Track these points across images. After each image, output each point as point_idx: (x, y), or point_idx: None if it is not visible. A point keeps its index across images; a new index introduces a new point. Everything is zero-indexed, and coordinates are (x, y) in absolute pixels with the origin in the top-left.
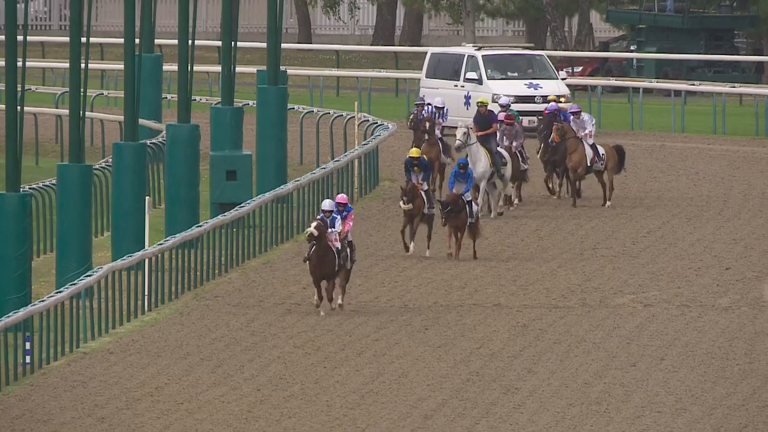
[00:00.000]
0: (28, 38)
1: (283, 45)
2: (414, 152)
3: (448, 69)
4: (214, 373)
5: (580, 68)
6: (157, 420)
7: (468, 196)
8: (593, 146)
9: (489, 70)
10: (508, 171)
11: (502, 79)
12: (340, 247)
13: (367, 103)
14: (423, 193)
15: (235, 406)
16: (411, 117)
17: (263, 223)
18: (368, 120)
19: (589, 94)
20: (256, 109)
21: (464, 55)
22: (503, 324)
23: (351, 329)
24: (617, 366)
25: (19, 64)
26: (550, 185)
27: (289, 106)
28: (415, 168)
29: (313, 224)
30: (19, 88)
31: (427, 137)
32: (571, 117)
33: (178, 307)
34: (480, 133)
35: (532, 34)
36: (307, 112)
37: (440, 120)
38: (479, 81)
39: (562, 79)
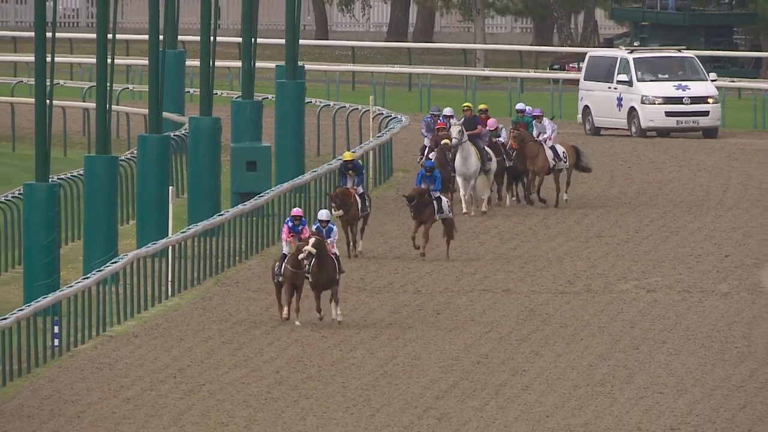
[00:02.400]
0: (57, 35)
1: (301, 41)
2: (347, 156)
3: (602, 71)
4: (234, 355)
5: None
6: (180, 400)
7: (437, 193)
8: (552, 148)
9: (639, 73)
10: (492, 166)
11: (652, 80)
12: (338, 253)
13: (382, 96)
14: (357, 197)
15: (254, 387)
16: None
17: (282, 212)
18: (382, 113)
19: None
20: (275, 103)
21: (617, 58)
22: (512, 309)
23: (366, 314)
24: (621, 349)
25: (48, 59)
26: (503, 192)
27: (307, 99)
28: (350, 172)
29: (311, 241)
30: (48, 83)
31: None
32: (534, 121)
33: (200, 293)
34: (468, 133)
35: (539, 31)
36: (323, 106)
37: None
38: (629, 83)
39: (712, 80)
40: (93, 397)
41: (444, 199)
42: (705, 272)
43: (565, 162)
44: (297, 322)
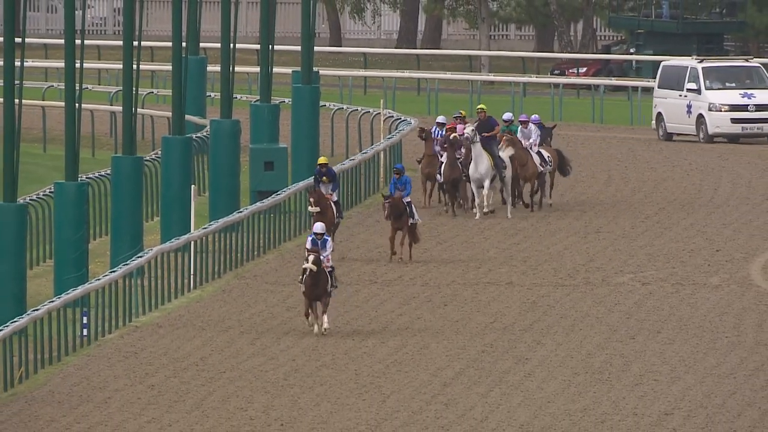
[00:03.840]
0: (86, 42)
1: (316, 48)
2: (321, 159)
3: (673, 79)
4: (253, 344)
5: (585, 69)
6: (202, 387)
7: (407, 198)
8: (538, 153)
9: (708, 81)
10: (508, 173)
11: (719, 89)
12: (333, 267)
13: (392, 100)
14: (333, 204)
15: (272, 374)
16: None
17: (298, 209)
18: (392, 116)
19: (593, 93)
20: (291, 106)
21: (687, 67)
22: (515, 300)
23: (377, 305)
24: (618, 338)
25: (77, 65)
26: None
27: (321, 103)
28: (324, 178)
29: (311, 258)
30: (77, 88)
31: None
32: (520, 126)
33: (220, 285)
34: (485, 135)
35: (540, 39)
36: (337, 109)
37: (439, 137)
38: (698, 91)
39: None
40: (119, 384)
41: (413, 205)
42: (697, 266)
43: (550, 166)
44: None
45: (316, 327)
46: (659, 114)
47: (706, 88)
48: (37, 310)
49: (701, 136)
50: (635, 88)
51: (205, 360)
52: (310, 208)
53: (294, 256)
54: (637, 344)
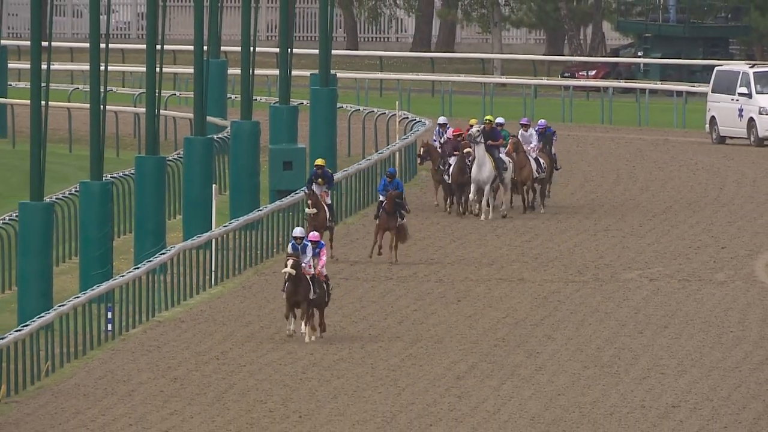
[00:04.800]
0: (110, 46)
1: (333, 51)
2: (319, 161)
3: (725, 84)
4: (272, 339)
5: (594, 72)
6: (223, 380)
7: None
8: (536, 159)
9: (759, 86)
10: (507, 176)
11: None
12: (313, 273)
13: (407, 102)
14: (326, 207)
15: (290, 368)
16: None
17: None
18: (407, 117)
19: (602, 95)
20: (310, 108)
21: (739, 72)
22: (526, 296)
23: (392, 301)
24: (626, 333)
25: (102, 68)
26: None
27: (338, 105)
28: (319, 179)
29: (289, 263)
30: (101, 90)
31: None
32: (520, 129)
33: (241, 281)
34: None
35: (551, 42)
36: (354, 111)
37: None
38: (749, 95)
39: None
40: (143, 377)
41: (404, 209)
42: (703, 263)
43: (544, 172)
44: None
45: (293, 328)
46: (712, 118)
47: (757, 93)
48: (63, 305)
49: (752, 139)
50: (643, 90)
51: (226, 354)
52: (307, 209)
53: None
54: (645, 339)
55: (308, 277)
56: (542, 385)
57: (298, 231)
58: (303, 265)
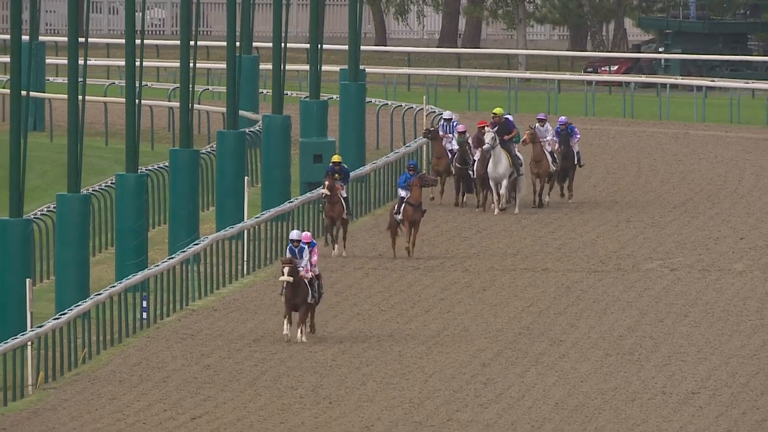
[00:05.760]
0: (145, 42)
1: (362, 47)
2: (335, 158)
3: None
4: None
5: (616, 67)
6: (255, 367)
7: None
8: (551, 153)
9: None
10: (523, 170)
11: None
12: (311, 276)
13: (434, 96)
14: (342, 200)
15: (320, 355)
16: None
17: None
18: (434, 111)
19: (624, 89)
20: (339, 102)
21: None
22: (550, 286)
23: (420, 290)
24: (647, 322)
25: (137, 64)
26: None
27: (367, 99)
28: (336, 175)
29: (286, 271)
30: (137, 85)
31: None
32: (537, 124)
33: (272, 271)
34: (504, 137)
35: (574, 38)
36: (382, 105)
37: (449, 133)
38: None
39: None
40: (177, 364)
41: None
42: (722, 253)
43: (556, 167)
44: None
45: (290, 332)
46: None
47: None
48: (99, 294)
49: None
50: (664, 85)
51: (258, 342)
52: (322, 189)
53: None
54: (666, 327)
55: (306, 281)
56: (565, 372)
57: (294, 234)
58: (300, 269)
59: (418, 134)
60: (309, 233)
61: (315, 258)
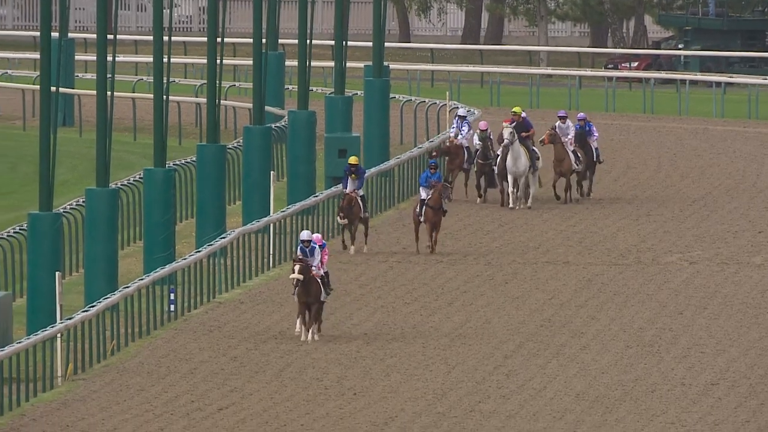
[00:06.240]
0: (173, 39)
1: (386, 44)
2: (352, 159)
3: None
4: (327, 319)
5: (636, 63)
6: (280, 359)
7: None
8: (573, 151)
9: None
10: (539, 165)
11: None
12: (323, 274)
13: (457, 92)
14: (359, 200)
15: (345, 347)
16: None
17: (369, 193)
18: (457, 107)
19: (644, 85)
20: (364, 98)
21: None
22: (571, 278)
23: (443, 283)
24: (667, 314)
25: (165, 60)
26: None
27: (391, 95)
28: (353, 175)
29: (296, 268)
30: (165, 81)
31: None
32: (558, 122)
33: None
34: (522, 134)
35: (595, 35)
36: (406, 101)
37: (461, 129)
38: None
39: None
40: (204, 356)
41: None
42: (741, 246)
43: (580, 165)
44: None
45: (303, 334)
46: None
47: None
48: (128, 287)
49: None
50: (683, 81)
51: (284, 333)
52: (339, 219)
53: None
54: (685, 319)
55: (318, 279)
56: (586, 363)
57: (305, 234)
58: (312, 267)
59: (441, 129)
60: (319, 235)
61: (326, 258)
